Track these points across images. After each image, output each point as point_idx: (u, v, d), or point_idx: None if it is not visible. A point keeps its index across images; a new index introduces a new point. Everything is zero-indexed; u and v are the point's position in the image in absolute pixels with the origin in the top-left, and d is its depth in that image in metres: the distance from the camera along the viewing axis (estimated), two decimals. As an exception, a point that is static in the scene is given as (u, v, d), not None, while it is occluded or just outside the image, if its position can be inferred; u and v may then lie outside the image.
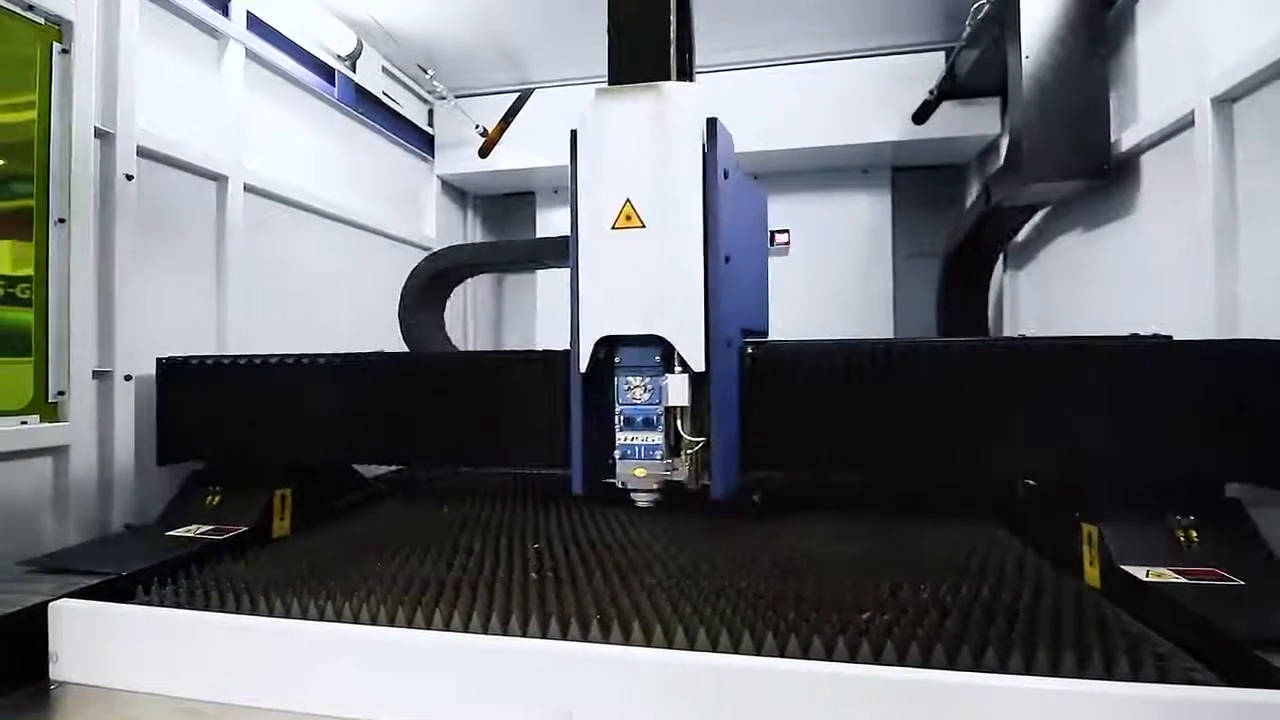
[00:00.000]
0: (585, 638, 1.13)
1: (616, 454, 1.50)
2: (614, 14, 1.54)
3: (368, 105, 3.09)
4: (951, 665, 1.03)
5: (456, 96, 3.44)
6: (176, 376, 1.92)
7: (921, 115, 3.15)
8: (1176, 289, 1.92)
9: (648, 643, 1.11)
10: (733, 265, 1.46)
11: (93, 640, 1.27)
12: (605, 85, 1.56)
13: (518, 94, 3.58)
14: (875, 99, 3.26)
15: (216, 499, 1.86)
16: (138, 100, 1.93)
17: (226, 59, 2.30)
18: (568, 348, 1.62)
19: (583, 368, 1.51)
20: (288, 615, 1.28)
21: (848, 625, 1.13)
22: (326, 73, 2.80)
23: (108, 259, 1.86)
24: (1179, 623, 1.15)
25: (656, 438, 1.46)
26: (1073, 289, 2.58)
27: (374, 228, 3.15)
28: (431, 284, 2.69)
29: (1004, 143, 3.12)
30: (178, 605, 1.33)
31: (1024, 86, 2.16)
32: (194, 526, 1.76)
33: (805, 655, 1.06)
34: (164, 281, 2.08)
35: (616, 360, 1.52)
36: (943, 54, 3.13)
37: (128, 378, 1.90)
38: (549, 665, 1.06)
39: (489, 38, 3.21)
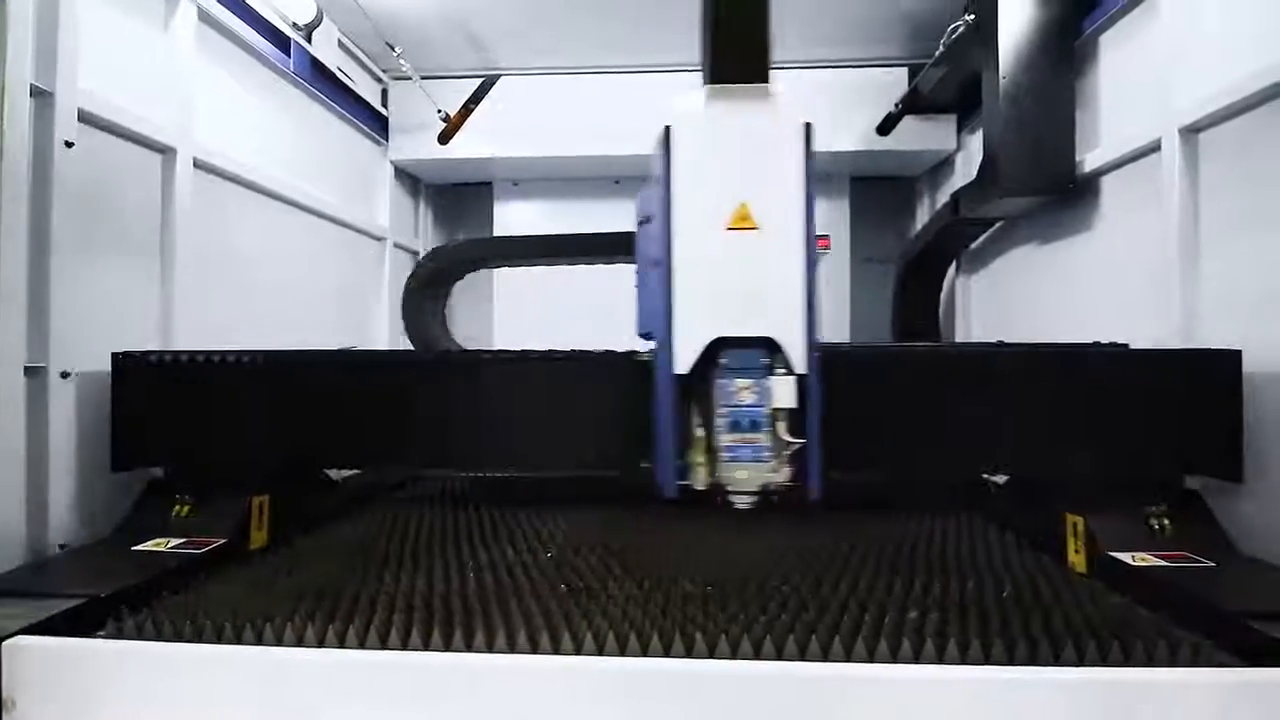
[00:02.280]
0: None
1: (724, 456, 1.48)
2: (715, 12, 1.52)
3: (323, 81, 2.87)
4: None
5: (407, 79, 3.25)
6: (136, 373, 1.71)
7: (885, 127, 3.28)
8: (1135, 300, 2.08)
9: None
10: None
11: (57, 682, 1.09)
12: (705, 83, 1.55)
13: (481, 80, 3.44)
14: (840, 109, 3.35)
15: (186, 509, 1.67)
16: (81, 56, 1.69)
17: (177, 18, 2.06)
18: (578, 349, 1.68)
19: (684, 369, 1.48)
20: (297, 642, 1.15)
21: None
22: (282, 42, 2.57)
23: (42, 238, 1.61)
24: (1173, 602, 1.27)
25: (764, 439, 1.46)
26: (1027, 297, 2.74)
27: (328, 214, 2.92)
28: (438, 277, 2.53)
29: (959, 158, 3.30)
30: (159, 636, 1.17)
31: (1000, 105, 2.28)
32: (163, 540, 1.57)
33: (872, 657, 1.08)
34: (103, 267, 1.84)
35: (722, 361, 1.48)
36: (905, 70, 3.26)
37: (65, 375, 1.66)
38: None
39: (452, 18, 3.05)
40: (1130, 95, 2.13)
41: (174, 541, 1.57)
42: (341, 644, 1.13)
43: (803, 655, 1.08)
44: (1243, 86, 1.64)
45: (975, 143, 3.17)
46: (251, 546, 1.69)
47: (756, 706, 1.01)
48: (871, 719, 1.02)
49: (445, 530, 1.83)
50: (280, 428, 1.75)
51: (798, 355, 1.46)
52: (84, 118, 1.72)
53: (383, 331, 3.48)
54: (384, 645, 1.13)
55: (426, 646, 1.12)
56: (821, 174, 3.73)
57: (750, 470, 1.46)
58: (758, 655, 1.08)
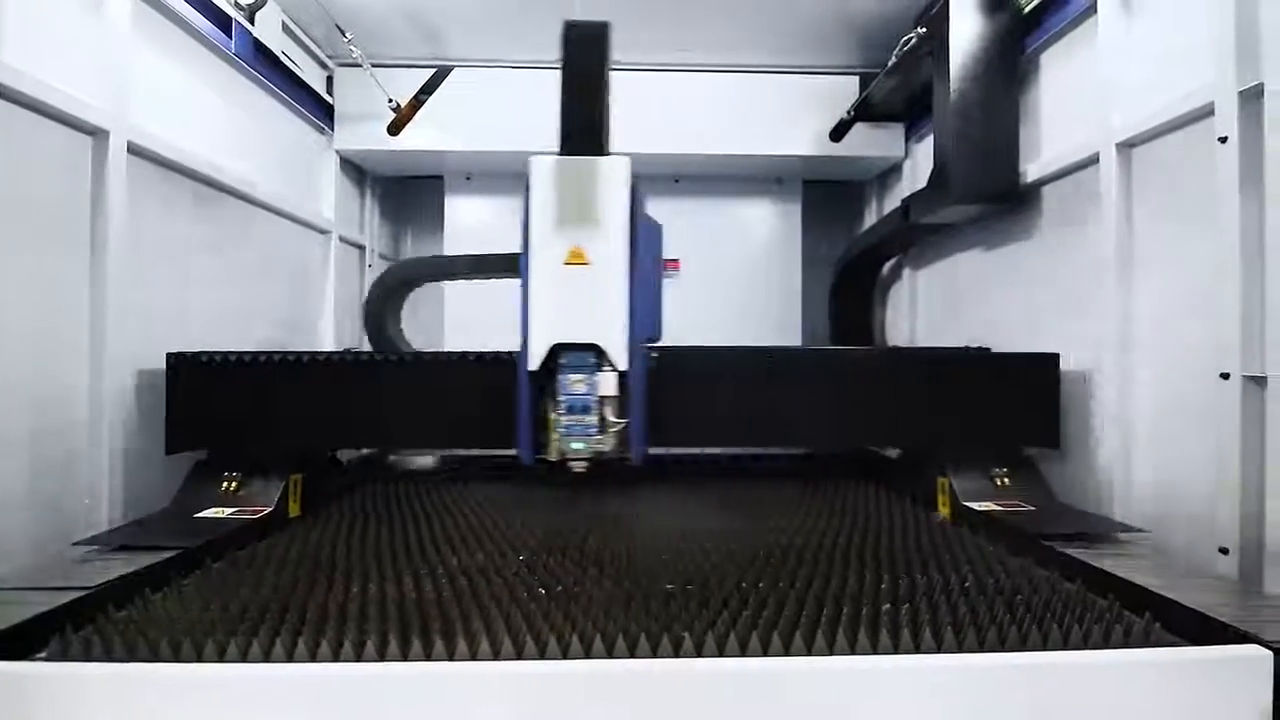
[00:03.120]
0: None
1: (561, 432, 1.86)
2: (565, 102, 1.96)
3: (266, 65, 2.71)
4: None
5: (354, 67, 3.12)
6: (186, 372, 2.06)
7: (838, 134, 3.37)
8: (1071, 302, 2.22)
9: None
10: (641, 290, 1.93)
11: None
12: (551, 152, 1.95)
13: (434, 70, 3.34)
14: (793, 115, 3.43)
15: (234, 484, 2.02)
16: (3, 26, 1.54)
17: (110, -9, 1.91)
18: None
19: (535, 366, 1.87)
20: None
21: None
22: (223, 23, 2.42)
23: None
24: (1003, 534, 1.71)
25: (592, 420, 1.86)
26: (971, 299, 2.89)
27: (270, 204, 2.77)
28: (400, 290, 2.81)
29: (907, 165, 3.43)
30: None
31: (950, 116, 2.39)
32: (219, 509, 1.92)
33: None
34: (26, 260, 1.68)
35: (561, 361, 1.87)
36: (857, 78, 3.37)
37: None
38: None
39: (406, 6, 2.96)
40: (1069, 111, 2.28)
41: (228, 510, 1.92)
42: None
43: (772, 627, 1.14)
44: (1173, 107, 1.78)
45: (923, 151, 3.31)
46: (291, 516, 2.02)
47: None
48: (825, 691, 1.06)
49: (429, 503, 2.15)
50: (306, 417, 2.12)
51: (618, 356, 1.87)
52: (5, 94, 1.57)
53: (328, 328, 3.34)
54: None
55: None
56: (774, 177, 3.86)
57: (582, 442, 1.86)
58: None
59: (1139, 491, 1.92)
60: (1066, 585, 1.35)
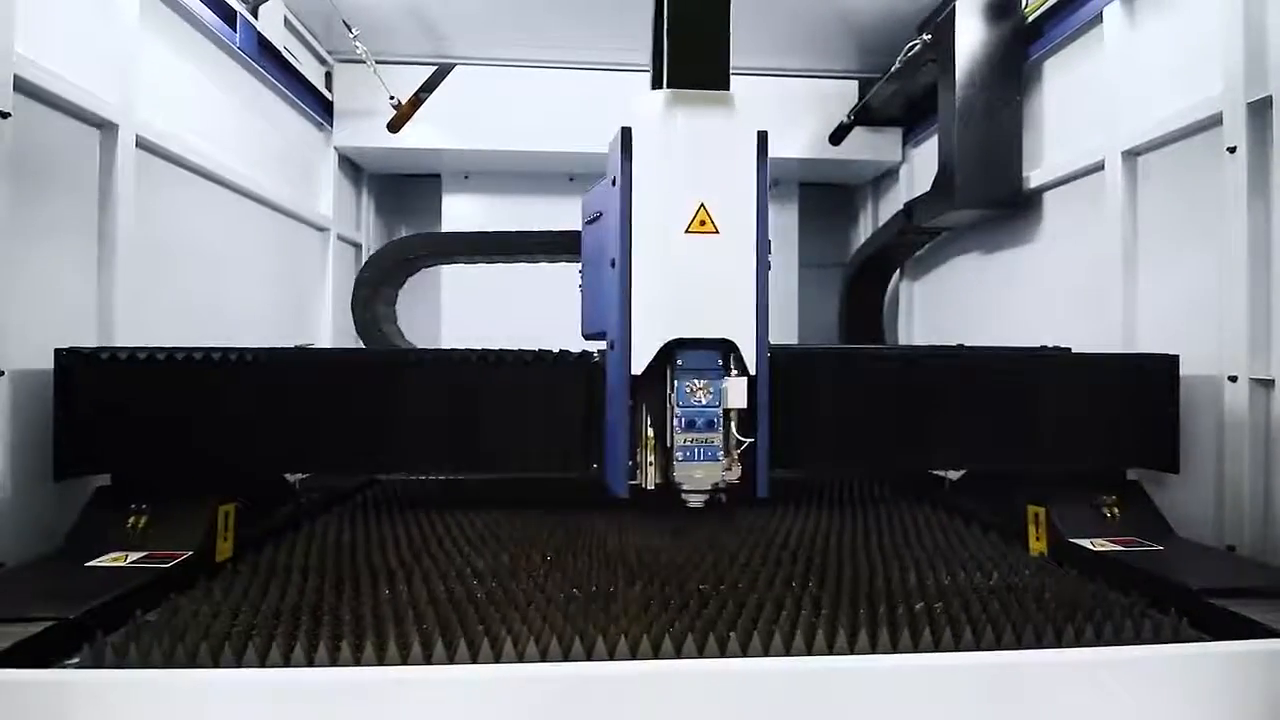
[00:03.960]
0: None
1: (678, 455, 1.48)
2: (673, 16, 1.51)
3: (268, 60, 2.66)
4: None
5: (354, 62, 3.08)
6: (83, 372, 1.54)
7: (837, 137, 3.42)
8: (1074, 306, 2.28)
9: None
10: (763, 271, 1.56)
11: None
12: (658, 86, 1.56)
13: (436, 67, 3.30)
14: (791, 118, 3.46)
15: (143, 520, 1.52)
16: (16, 16, 1.50)
17: (118, -19, 1.86)
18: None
19: (640, 370, 1.47)
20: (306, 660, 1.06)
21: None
22: (228, 16, 2.37)
23: (-30, 220, 1.42)
24: (1136, 582, 1.36)
25: (718, 439, 1.48)
26: (970, 302, 2.95)
27: (271, 201, 2.72)
28: (395, 270, 2.43)
29: (903, 170, 3.49)
30: (143, 663, 1.04)
31: (957, 122, 2.44)
32: (120, 554, 1.42)
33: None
34: (39, 254, 1.63)
35: (679, 362, 1.49)
36: (855, 83, 3.41)
37: (-2, 374, 1.47)
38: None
39: (407, 2, 2.92)
40: (1072, 118, 2.34)
41: (134, 555, 1.42)
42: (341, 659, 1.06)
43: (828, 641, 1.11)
44: (1180, 117, 1.83)
45: (920, 155, 3.37)
46: (219, 559, 1.54)
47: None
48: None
49: (424, 536, 1.72)
50: (245, 430, 1.62)
51: (751, 357, 1.50)
52: (20, 86, 1.52)
53: (325, 328, 3.29)
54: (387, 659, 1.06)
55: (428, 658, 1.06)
56: (772, 180, 3.88)
57: (705, 469, 1.48)
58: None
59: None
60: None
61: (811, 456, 1.70)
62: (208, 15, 2.25)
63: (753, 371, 1.50)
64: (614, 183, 1.56)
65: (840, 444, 1.72)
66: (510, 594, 1.30)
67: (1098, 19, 2.15)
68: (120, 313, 1.84)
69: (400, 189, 4.01)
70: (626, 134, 1.51)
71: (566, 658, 1.06)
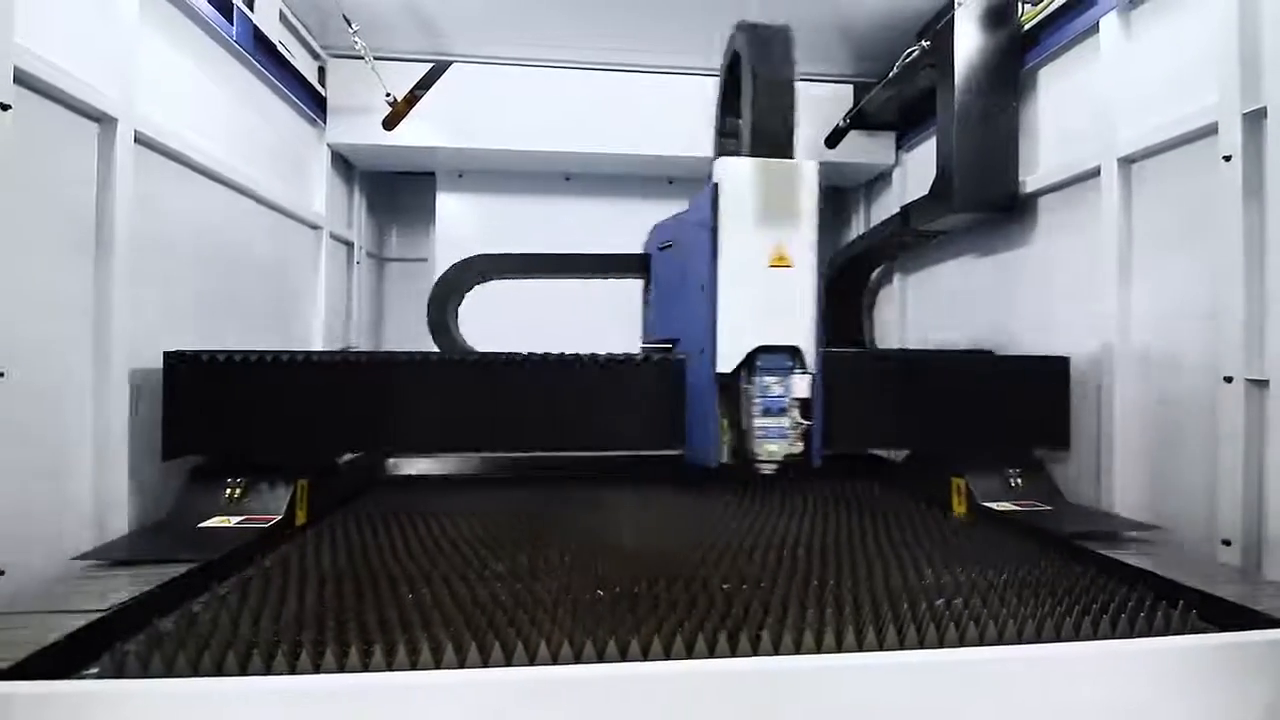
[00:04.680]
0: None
1: (758, 434, 1.90)
2: (755, 106, 2.02)
3: (263, 54, 2.62)
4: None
5: (350, 58, 3.04)
6: (188, 371, 1.91)
7: (833, 140, 3.45)
8: (1068, 309, 2.34)
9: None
10: None
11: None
12: (742, 153, 2.07)
13: (431, 65, 3.27)
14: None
15: (238, 491, 1.90)
16: (16, 6, 1.45)
17: (117, -30, 1.81)
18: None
19: (728, 369, 1.93)
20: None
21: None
22: (225, 8, 2.32)
23: (-29, 216, 1.38)
24: (1028, 534, 1.77)
25: (786, 422, 1.91)
26: (963, 304, 3.00)
27: (267, 199, 2.67)
28: (458, 285, 2.78)
29: (896, 173, 3.54)
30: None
31: (954, 128, 2.48)
32: (224, 518, 1.80)
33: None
34: (37, 253, 1.59)
35: (759, 364, 1.93)
36: (851, 87, 3.45)
37: (-1, 375, 1.43)
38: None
39: (404, -2, 2.90)
40: (1066, 125, 2.39)
41: (235, 519, 1.79)
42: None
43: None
44: (1176, 126, 1.89)
45: (913, 159, 3.42)
46: (298, 524, 1.91)
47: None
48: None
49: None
50: (313, 418, 1.98)
51: (811, 359, 1.97)
52: (20, 78, 1.48)
53: (316, 330, 3.23)
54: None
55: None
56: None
57: (778, 445, 1.91)
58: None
59: (1137, 489, 2.03)
60: (1107, 580, 1.42)
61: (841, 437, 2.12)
62: (205, 6, 2.20)
63: (812, 370, 1.95)
64: (700, 224, 2.03)
65: (862, 428, 2.18)
66: (536, 594, 1.32)
67: (1093, 29, 2.20)
68: (118, 320, 1.79)
69: (392, 187, 3.97)
70: (715, 189, 1.95)
71: (602, 658, 1.06)
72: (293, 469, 1.96)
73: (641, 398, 2.06)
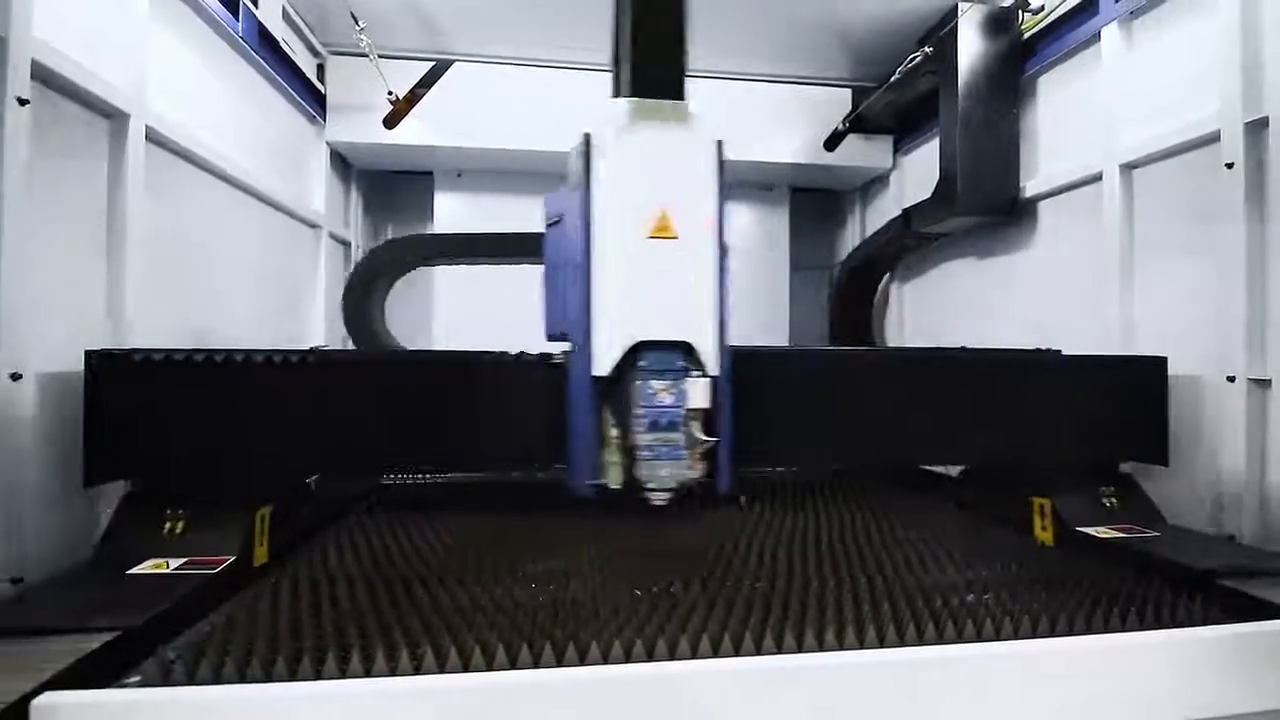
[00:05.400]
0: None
1: (644, 455, 1.50)
2: (634, 29, 1.59)
3: (267, 50, 2.58)
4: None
5: (350, 55, 3.01)
6: (115, 375, 1.48)
7: (831, 143, 3.50)
8: (1068, 311, 2.40)
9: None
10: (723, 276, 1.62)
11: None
12: (618, 94, 1.61)
13: (433, 63, 3.25)
14: (785, 123, 3.53)
15: (180, 525, 1.48)
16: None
17: (129, -37, 1.78)
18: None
19: (605, 371, 1.50)
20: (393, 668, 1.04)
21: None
22: (231, 3, 2.28)
23: (-10, 213, 1.34)
24: (1147, 567, 1.46)
25: (680, 439, 1.50)
26: (962, 305, 3.06)
27: (269, 197, 2.63)
28: (390, 273, 2.44)
29: (893, 176, 3.59)
30: (217, 677, 1.01)
31: (959, 132, 2.53)
32: (161, 561, 1.38)
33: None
34: (58, 251, 1.55)
35: (642, 364, 1.51)
36: (849, 91, 3.50)
37: (15, 376, 1.39)
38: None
39: (406, -5, 2.87)
40: (1066, 132, 2.46)
41: (175, 562, 1.39)
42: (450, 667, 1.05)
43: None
44: (1177, 134, 1.95)
45: (910, 163, 3.48)
46: (256, 564, 1.52)
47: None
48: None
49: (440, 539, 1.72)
50: (278, 432, 1.59)
51: (711, 358, 1.53)
52: (38, 74, 1.44)
53: (318, 330, 3.19)
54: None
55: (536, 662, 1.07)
56: (765, 183, 3.96)
57: (670, 467, 1.51)
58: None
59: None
60: None
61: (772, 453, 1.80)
62: (213, 1, 2.16)
63: (713, 372, 1.53)
64: (575, 186, 1.59)
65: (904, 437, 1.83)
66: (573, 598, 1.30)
67: (1094, 39, 2.27)
68: (131, 319, 1.75)
69: (389, 186, 3.92)
70: (587, 140, 1.54)
71: (651, 657, 1.07)
72: (247, 495, 1.58)
73: (505, 405, 1.67)
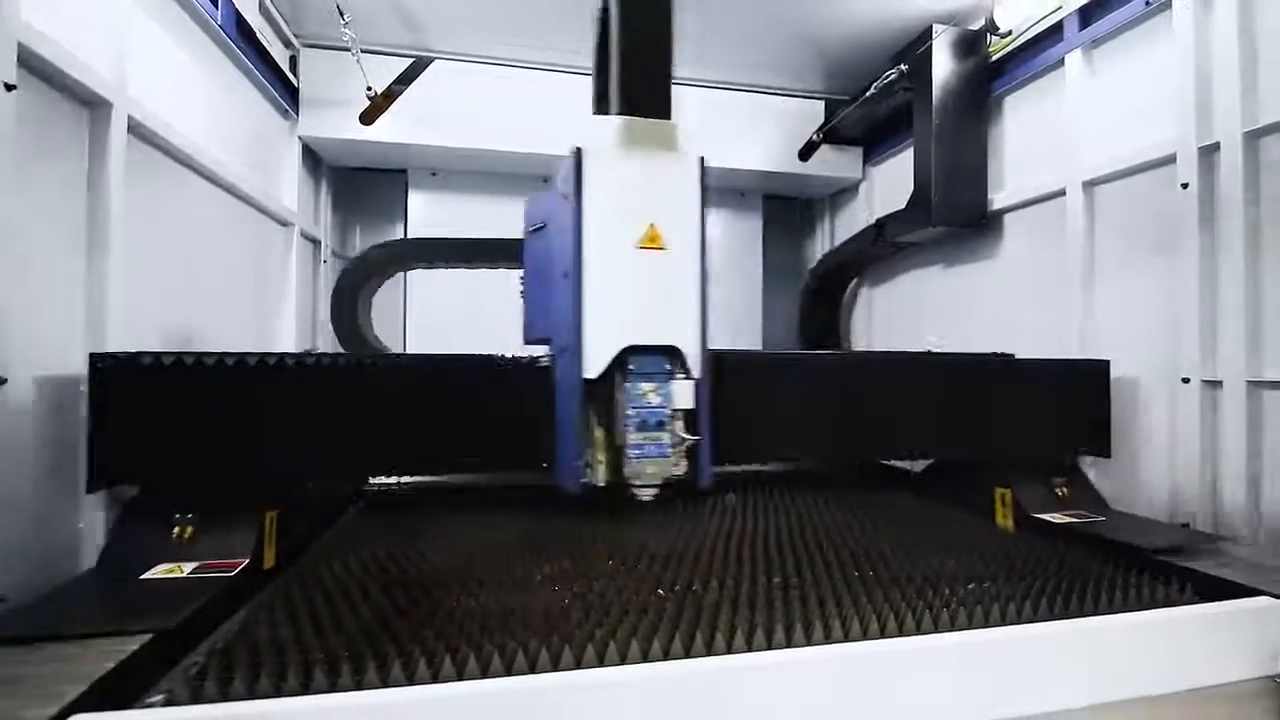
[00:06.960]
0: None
1: (632, 453, 1.60)
2: (623, 48, 1.70)
3: (244, 41, 2.49)
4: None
5: (324, 48, 2.94)
6: (120, 377, 1.46)
7: (805, 154, 3.61)
8: (1031, 316, 2.55)
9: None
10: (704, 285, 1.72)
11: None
12: (597, 110, 1.81)
13: (412, 60, 3.20)
14: (759, 131, 3.62)
15: (189, 530, 1.46)
16: (22, -17, 1.35)
17: (111, -53, 1.70)
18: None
19: (595, 374, 1.58)
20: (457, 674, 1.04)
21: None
22: (211, -9, 2.21)
23: (-25, 204, 1.27)
24: (1098, 547, 1.60)
25: (666, 438, 1.60)
26: (929, 311, 3.20)
27: (243, 192, 2.54)
28: (380, 275, 2.45)
29: (864, 186, 3.73)
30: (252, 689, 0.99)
31: (934, 146, 2.65)
32: (173, 566, 1.37)
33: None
34: (44, 246, 1.47)
35: (630, 367, 1.61)
36: (822, 102, 3.61)
37: (1, 381, 1.31)
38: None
39: (385, -11, 2.82)
40: (1030, 149, 2.61)
41: (189, 566, 1.38)
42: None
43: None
44: (1136, 155, 2.11)
45: (880, 174, 3.62)
46: (265, 567, 1.51)
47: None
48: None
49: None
50: (285, 435, 1.59)
51: (695, 362, 1.64)
52: (24, 59, 1.37)
53: (288, 330, 3.09)
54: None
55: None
56: (738, 189, 4.04)
57: (657, 465, 1.61)
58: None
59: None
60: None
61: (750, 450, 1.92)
62: (193, -11, 2.09)
63: (697, 375, 1.63)
64: (565, 198, 1.66)
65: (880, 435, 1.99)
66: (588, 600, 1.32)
67: (1058, 64, 2.42)
68: (113, 320, 1.67)
69: (360, 182, 3.83)
70: (579, 155, 1.61)
71: (687, 654, 1.10)
72: (255, 498, 1.57)
73: (494, 408, 1.72)
